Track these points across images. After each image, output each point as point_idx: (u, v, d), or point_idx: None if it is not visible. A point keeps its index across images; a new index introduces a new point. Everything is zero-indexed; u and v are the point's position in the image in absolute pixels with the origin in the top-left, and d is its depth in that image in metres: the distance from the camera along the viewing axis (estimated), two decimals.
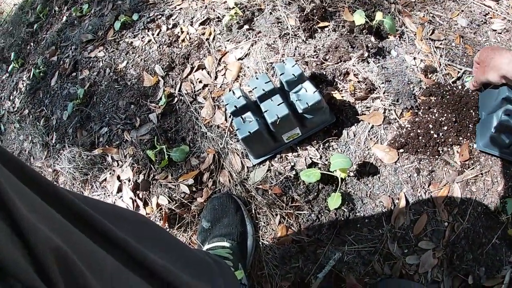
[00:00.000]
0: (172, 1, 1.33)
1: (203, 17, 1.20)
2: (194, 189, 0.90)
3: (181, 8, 1.29)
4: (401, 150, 0.89)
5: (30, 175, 0.37)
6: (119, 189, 1.00)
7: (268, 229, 0.81)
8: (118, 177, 1.01)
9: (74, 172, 1.09)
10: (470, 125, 0.90)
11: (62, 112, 1.26)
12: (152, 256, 0.44)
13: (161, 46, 1.18)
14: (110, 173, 1.04)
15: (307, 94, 0.84)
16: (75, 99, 1.21)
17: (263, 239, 0.81)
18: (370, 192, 0.84)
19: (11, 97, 1.55)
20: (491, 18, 1.16)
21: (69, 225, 0.37)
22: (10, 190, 0.31)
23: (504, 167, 0.87)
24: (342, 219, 0.80)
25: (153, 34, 1.23)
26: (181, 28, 1.20)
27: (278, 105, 0.82)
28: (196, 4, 1.27)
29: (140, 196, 0.96)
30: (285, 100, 0.84)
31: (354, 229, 0.80)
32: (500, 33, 1.12)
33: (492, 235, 0.83)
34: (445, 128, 0.90)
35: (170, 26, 1.23)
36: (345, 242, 0.80)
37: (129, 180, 0.99)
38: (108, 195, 1.03)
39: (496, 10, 1.18)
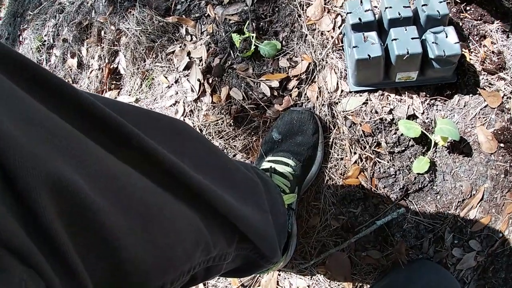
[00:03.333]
0: None
1: None
2: (275, 93, 0.77)
3: None
4: (501, 145, 0.79)
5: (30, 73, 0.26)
6: (187, 67, 0.87)
7: (339, 164, 0.72)
8: (188, 53, 0.87)
9: (140, 36, 0.92)
10: None
11: None
12: (195, 175, 0.35)
13: None
14: (180, 47, 0.89)
15: (447, 42, 0.70)
16: None
17: (329, 172, 0.73)
18: (455, 171, 0.75)
19: None
20: None
21: (82, 138, 0.27)
22: None
23: None
24: (418, 186, 0.72)
25: None
26: None
27: (412, 39, 0.68)
28: None
29: (210, 81, 0.83)
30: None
31: (423, 201, 0.73)
32: None
33: None
34: None
35: None
36: (409, 209, 0.73)
37: (201, 61, 0.85)
38: (173, 70, 0.89)
39: None
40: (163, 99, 0.92)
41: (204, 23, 0.92)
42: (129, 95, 0.99)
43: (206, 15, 0.92)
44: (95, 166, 0.26)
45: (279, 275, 0.79)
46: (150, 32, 0.93)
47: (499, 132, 0.78)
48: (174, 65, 0.92)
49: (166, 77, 0.92)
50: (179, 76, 0.89)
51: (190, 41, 0.92)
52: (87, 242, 0.25)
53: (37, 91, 0.26)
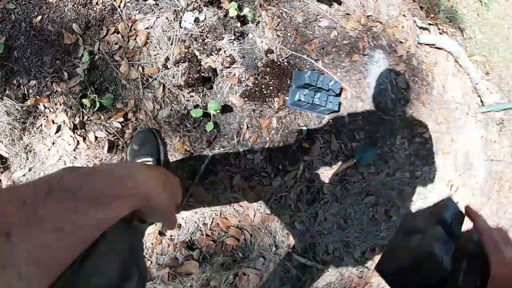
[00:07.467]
0: None
1: None
2: (123, 124, 1.34)
3: None
4: (246, 99, 1.55)
5: None
6: (57, 130, 1.30)
7: (172, 145, 1.36)
8: (53, 121, 1.32)
9: (13, 123, 1.27)
10: (286, 88, 1.62)
11: None
12: None
13: (76, 6, 1.38)
14: (44, 119, 1.31)
15: None
16: None
17: (169, 152, 1.36)
18: (228, 121, 1.47)
19: None
20: (321, 17, 1.68)
21: None
22: None
23: (299, 113, 1.64)
24: (214, 136, 1.41)
25: None
26: None
27: None
28: None
29: (79, 133, 1.32)
30: None
31: (220, 142, 1.44)
32: (324, 29, 1.73)
33: (294, 145, 1.60)
34: (271, 88, 1.59)
35: None
36: (215, 148, 1.43)
37: (64, 122, 1.32)
38: (47, 137, 1.32)
39: (326, 12, 1.69)
40: (49, 159, 1.35)
41: (55, 97, 1.36)
42: (21, 169, 1.35)
43: (54, 91, 1.36)
44: None
45: None
46: (19, 118, 1.33)
47: (242, 94, 1.53)
48: (46, 133, 1.34)
49: (44, 144, 1.35)
50: (54, 139, 1.33)
51: (50, 112, 1.35)
52: None
53: None
